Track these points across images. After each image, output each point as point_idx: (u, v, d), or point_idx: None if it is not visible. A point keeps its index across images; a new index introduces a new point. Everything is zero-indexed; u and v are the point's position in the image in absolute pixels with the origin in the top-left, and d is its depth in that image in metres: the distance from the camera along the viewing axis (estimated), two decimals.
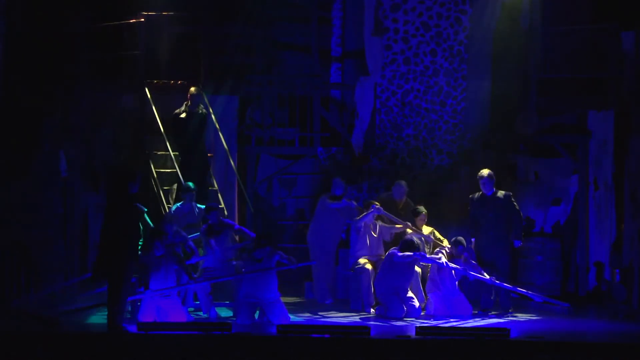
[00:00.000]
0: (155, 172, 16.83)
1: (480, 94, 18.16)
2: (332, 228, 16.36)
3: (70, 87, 17.13)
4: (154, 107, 17.07)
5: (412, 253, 14.79)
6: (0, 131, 15.90)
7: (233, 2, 18.67)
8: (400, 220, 15.66)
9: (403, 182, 16.36)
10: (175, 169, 16.52)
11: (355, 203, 16.40)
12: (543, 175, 17.83)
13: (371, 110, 18.15)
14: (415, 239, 15.06)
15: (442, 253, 15.22)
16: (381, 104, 18.14)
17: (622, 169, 16.71)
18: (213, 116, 17.23)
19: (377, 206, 15.57)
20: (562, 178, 17.77)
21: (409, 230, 15.59)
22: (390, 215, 15.68)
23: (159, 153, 17.13)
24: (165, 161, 17.06)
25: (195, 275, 14.48)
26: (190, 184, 15.83)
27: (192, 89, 16.72)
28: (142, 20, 17.61)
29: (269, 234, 14.77)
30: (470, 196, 15.73)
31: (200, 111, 16.67)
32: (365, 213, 15.62)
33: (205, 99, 17.39)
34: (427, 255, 15.10)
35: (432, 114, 18.15)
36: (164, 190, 16.64)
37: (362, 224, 15.60)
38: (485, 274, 15.06)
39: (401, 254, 14.84)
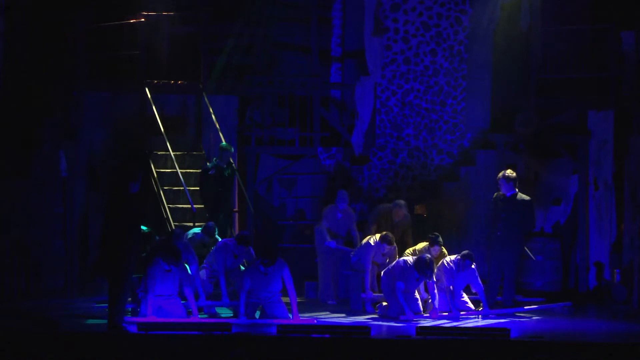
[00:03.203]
0: (156, 172, 16.83)
1: (480, 94, 18.15)
2: (338, 231, 16.38)
3: (70, 87, 17.14)
4: (154, 107, 17.08)
5: (417, 280, 14.67)
6: (0, 131, 15.91)
7: (233, 2, 18.67)
8: None
9: (403, 204, 16.24)
10: (175, 168, 16.54)
11: (334, 244, 16.20)
12: (543, 175, 17.82)
13: (371, 110, 18.14)
14: (429, 258, 14.63)
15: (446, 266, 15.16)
16: (381, 104, 18.14)
17: (622, 169, 16.73)
18: (213, 116, 17.24)
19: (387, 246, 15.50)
20: (562, 178, 17.77)
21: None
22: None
23: (159, 153, 17.13)
24: (165, 161, 17.07)
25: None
26: (211, 224, 15.64)
27: (223, 144, 16.48)
28: (142, 20, 17.63)
29: (273, 253, 14.21)
30: (495, 195, 15.61)
31: (229, 168, 16.37)
32: (370, 241, 15.55)
33: (206, 99, 17.40)
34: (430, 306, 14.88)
35: (432, 113, 18.14)
36: (164, 190, 16.64)
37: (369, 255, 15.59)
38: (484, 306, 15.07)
39: (409, 273, 14.67)
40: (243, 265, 15.15)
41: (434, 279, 14.77)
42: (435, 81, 18.14)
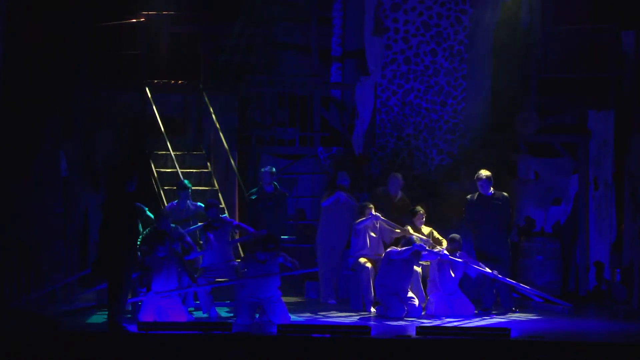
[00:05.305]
0: (156, 171, 16.82)
1: (480, 94, 18.16)
2: (339, 228, 16.33)
3: (70, 87, 17.13)
4: (154, 107, 17.08)
5: (410, 246, 14.83)
6: (0, 131, 15.91)
7: (233, 2, 18.67)
8: (398, 226, 15.66)
9: (399, 175, 16.37)
10: (175, 168, 16.53)
11: (343, 197, 16.24)
12: (543, 175, 17.83)
13: (371, 110, 18.15)
14: (415, 237, 15.11)
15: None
16: (381, 104, 18.14)
17: (622, 169, 16.73)
18: (213, 116, 17.23)
19: (374, 214, 15.56)
20: (562, 178, 17.77)
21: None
22: (389, 221, 15.67)
23: (159, 153, 17.13)
24: (165, 161, 17.05)
25: (195, 276, 14.52)
26: (187, 181, 15.81)
27: (271, 168, 16.15)
28: (142, 20, 17.62)
29: (276, 238, 14.65)
30: (468, 197, 15.73)
31: (276, 192, 15.97)
32: (363, 218, 15.60)
33: (206, 99, 17.39)
34: (426, 248, 15.10)
35: (432, 113, 18.15)
36: (164, 190, 16.64)
37: (362, 227, 15.63)
38: (486, 268, 15.11)
39: (398, 249, 14.87)
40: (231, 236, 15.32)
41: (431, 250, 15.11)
42: (435, 81, 18.14)
